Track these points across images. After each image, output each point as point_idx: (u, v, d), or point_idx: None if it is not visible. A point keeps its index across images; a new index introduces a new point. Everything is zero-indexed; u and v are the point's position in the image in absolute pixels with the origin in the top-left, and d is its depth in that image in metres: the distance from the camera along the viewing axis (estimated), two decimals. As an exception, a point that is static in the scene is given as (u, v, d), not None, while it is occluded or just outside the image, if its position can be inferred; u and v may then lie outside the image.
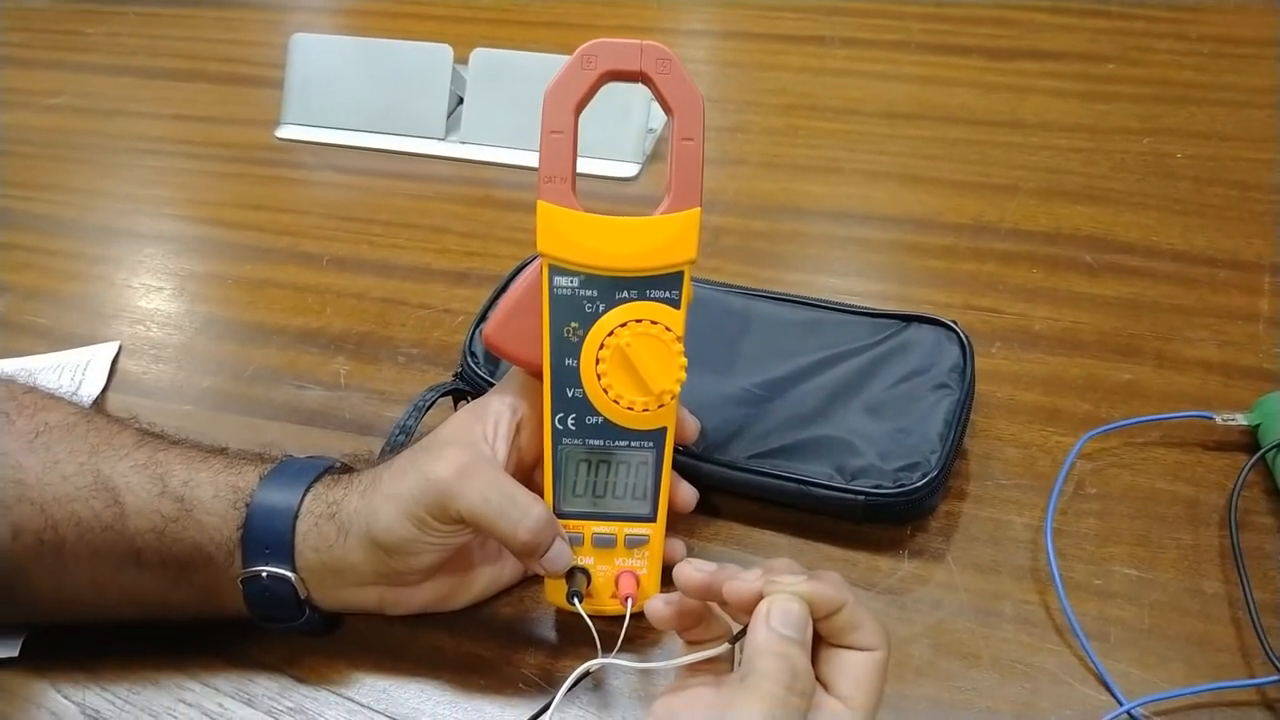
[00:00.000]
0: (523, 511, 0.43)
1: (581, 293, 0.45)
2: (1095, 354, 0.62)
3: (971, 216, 0.74)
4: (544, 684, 0.46)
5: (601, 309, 0.45)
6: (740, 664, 0.37)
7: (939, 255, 0.70)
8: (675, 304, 0.46)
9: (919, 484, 0.50)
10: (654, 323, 0.45)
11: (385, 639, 0.48)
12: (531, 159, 0.81)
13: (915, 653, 0.47)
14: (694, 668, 0.40)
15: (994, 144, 0.81)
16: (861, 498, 0.50)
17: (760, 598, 0.36)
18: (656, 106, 0.80)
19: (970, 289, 0.67)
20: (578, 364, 0.46)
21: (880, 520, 0.52)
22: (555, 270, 0.45)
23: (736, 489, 0.53)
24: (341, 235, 0.76)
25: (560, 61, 0.45)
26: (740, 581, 0.37)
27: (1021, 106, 0.86)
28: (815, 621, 0.35)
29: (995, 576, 0.50)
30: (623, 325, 0.45)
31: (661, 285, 0.45)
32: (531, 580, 0.50)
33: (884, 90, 0.89)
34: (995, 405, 0.58)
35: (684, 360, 0.45)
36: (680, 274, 0.45)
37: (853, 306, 0.59)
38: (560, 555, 0.45)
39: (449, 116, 0.85)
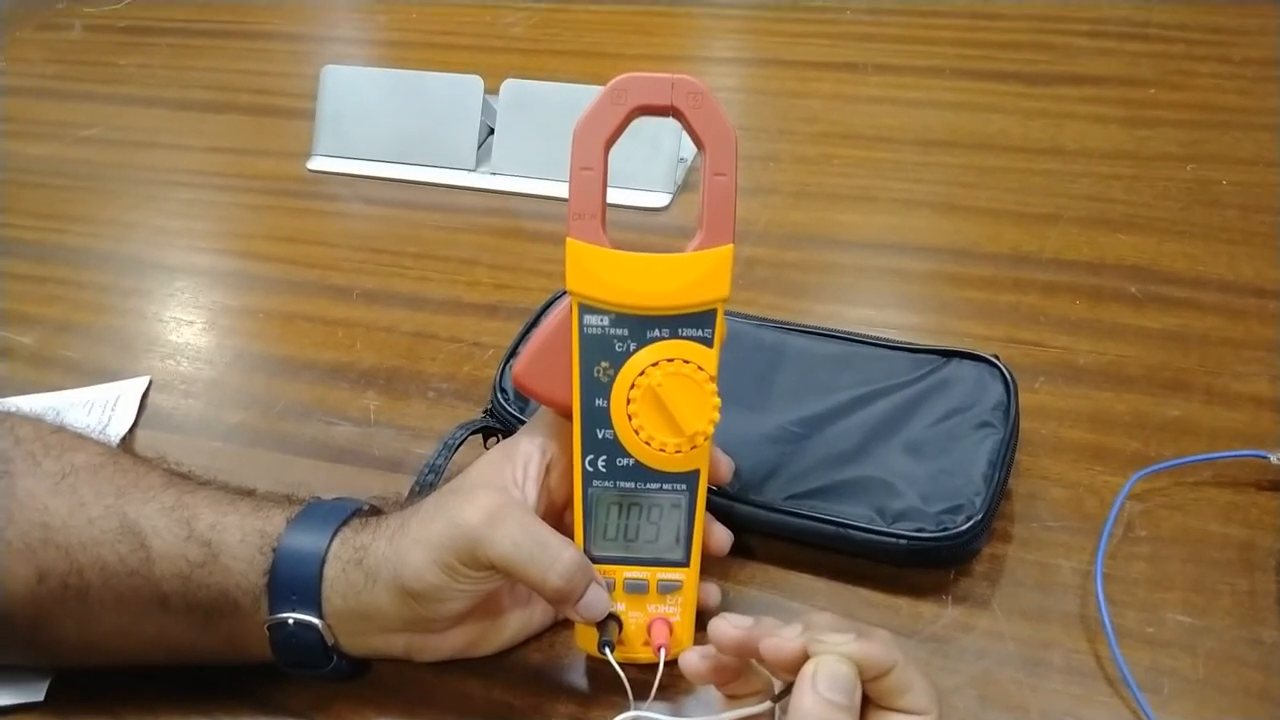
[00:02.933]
0: (553, 557, 0.42)
1: (612, 331, 0.44)
2: (1142, 389, 0.60)
3: (1011, 246, 0.72)
4: (575, 734, 0.45)
5: (632, 348, 0.44)
6: None
7: (978, 286, 0.68)
8: (708, 343, 0.44)
9: (963, 527, 0.48)
10: (686, 362, 0.44)
11: (413, 685, 0.47)
12: (561, 189, 0.80)
13: (960, 704, 0.45)
14: None
15: (1033, 171, 0.80)
16: (904, 541, 0.48)
17: (802, 657, 0.34)
18: (688, 136, 0.80)
19: (1011, 321, 0.65)
20: (608, 404, 0.45)
21: (922, 564, 0.50)
22: (585, 309, 0.44)
23: (772, 531, 0.51)
24: (371, 268, 0.75)
25: (591, 92, 0.44)
26: (779, 640, 0.35)
27: (1061, 133, 0.84)
28: (864, 683, 0.34)
29: (1043, 624, 0.48)
30: (654, 365, 0.44)
31: (694, 324, 0.44)
32: (562, 625, 0.49)
33: (918, 117, 0.88)
34: (1040, 443, 0.56)
35: (717, 401, 0.44)
36: (713, 312, 0.44)
37: (890, 341, 0.58)
38: (597, 601, 0.44)
39: (479, 147, 0.85)
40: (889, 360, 0.57)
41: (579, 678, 0.47)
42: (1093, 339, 0.63)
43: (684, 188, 0.80)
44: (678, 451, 0.44)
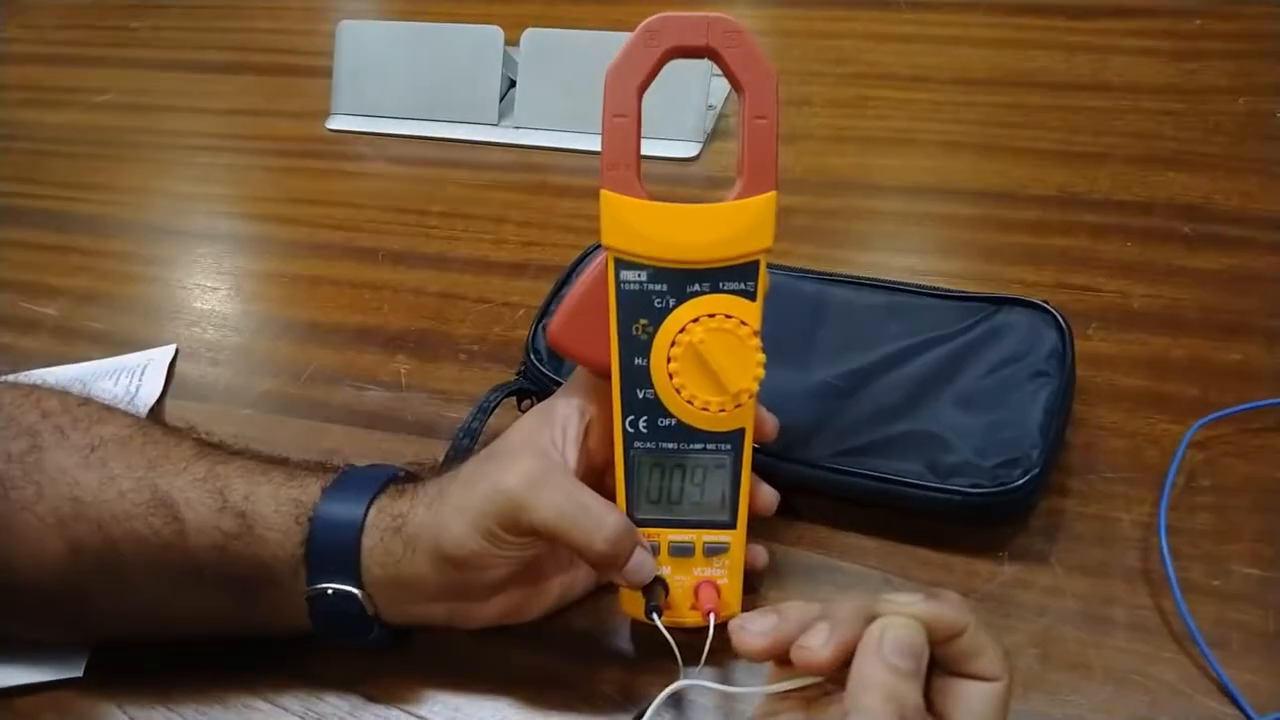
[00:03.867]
0: (598, 521, 0.41)
1: (650, 287, 0.42)
2: (1200, 333, 0.57)
3: (1058, 187, 0.69)
4: (624, 701, 0.44)
5: (672, 304, 0.42)
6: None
7: (1025, 230, 0.66)
8: (751, 296, 0.43)
9: (1020, 481, 0.46)
10: (728, 317, 0.42)
11: (456, 654, 0.46)
12: (588, 142, 0.79)
13: (1021, 664, 0.43)
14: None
15: (1078, 109, 0.76)
16: (958, 497, 0.47)
17: (835, 664, 0.32)
18: (717, 81, 0.77)
19: (1061, 266, 0.62)
20: (648, 363, 0.43)
21: (977, 521, 0.48)
22: (621, 264, 0.42)
23: (819, 489, 0.50)
24: (396, 228, 0.74)
25: (615, 39, 0.42)
26: (809, 652, 0.32)
27: (1105, 68, 0.81)
28: (932, 647, 0.32)
29: (1104, 579, 0.46)
30: (695, 321, 0.42)
31: (736, 276, 0.42)
32: (605, 589, 0.48)
33: (956, 55, 0.84)
34: (1095, 392, 0.54)
35: (762, 356, 0.42)
36: (755, 264, 0.43)
37: (937, 289, 0.56)
38: (642, 566, 0.42)
39: (501, 100, 0.83)
40: (936, 310, 0.54)
41: (624, 643, 0.46)
42: (1147, 282, 0.61)
43: (714, 136, 0.77)
44: (721, 410, 0.43)
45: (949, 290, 0.55)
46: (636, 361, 0.43)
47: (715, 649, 0.42)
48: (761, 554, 0.47)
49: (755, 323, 0.42)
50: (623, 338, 0.43)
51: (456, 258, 0.70)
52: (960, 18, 0.91)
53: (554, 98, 0.80)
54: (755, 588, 0.47)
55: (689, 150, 0.76)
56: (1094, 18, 0.88)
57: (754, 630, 0.34)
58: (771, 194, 0.42)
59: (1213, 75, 0.79)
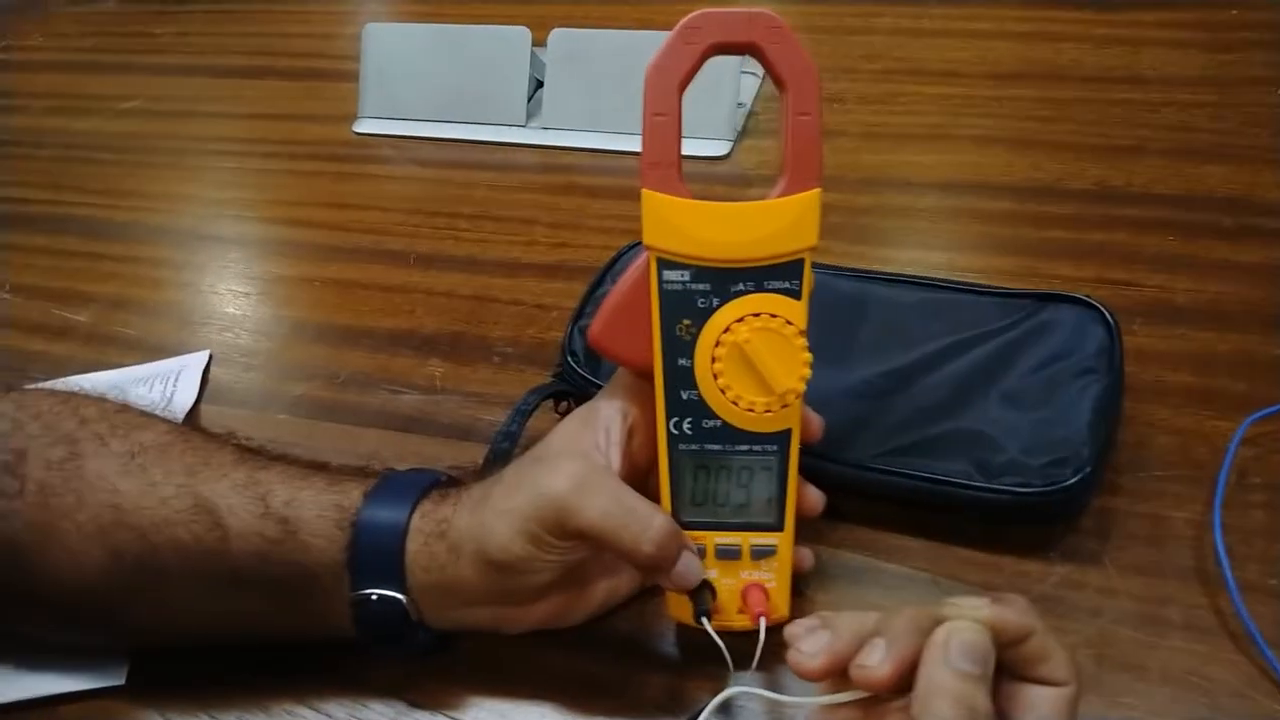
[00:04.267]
0: (645, 524, 0.40)
1: (693, 287, 0.42)
2: (1246, 328, 0.56)
3: (1095, 181, 0.68)
4: (670, 706, 0.43)
5: (716, 303, 0.42)
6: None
7: (1064, 225, 0.65)
8: (796, 295, 0.42)
9: (1071, 480, 0.45)
10: (774, 316, 0.41)
11: (500, 660, 0.45)
12: (617, 142, 0.78)
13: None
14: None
15: (1111, 102, 0.75)
16: (1008, 496, 0.46)
17: (898, 680, 0.31)
18: (746, 79, 0.77)
19: (1102, 261, 0.62)
20: (692, 364, 0.42)
21: (1026, 521, 0.47)
22: (664, 263, 0.42)
23: (862, 490, 0.49)
24: (426, 231, 0.73)
25: (644, 38, 0.42)
26: (868, 671, 0.31)
27: (1138, 60, 0.80)
28: (998, 650, 0.31)
29: (1158, 579, 0.45)
30: (740, 320, 0.42)
31: (780, 275, 0.42)
32: (649, 592, 0.47)
33: (987, 49, 0.84)
34: (1142, 388, 0.53)
35: (808, 356, 0.42)
36: (800, 262, 0.42)
37: (979, 286, 0.55)
38: (690, 569, 0.42)
39: (529, 102, 0.82)
40: (979, 307, 0.54)
41: (669, 647, 0.46)
42: (1190, 276, 0.60)
43: (744, 134, 0.77)
44: (767, 411, 0.42)
45: (991, 287, 0.55)
46: (680, 362, 0.42)
47: (764, 653, 0.41)
48: (807, 556, 0.46)
49: (801, 322, 0.42)
50: (665, 338, 0.42)
51: (488, 260, 0.70)
52: (989, 10, 0.90)
53: (582, 98, 0.79)
54: (801, 590, 0.46)
55: (720, 149, 0.76)
56: (1125, 9, 0.87)
57: (808, 650, 0.33)
58: (816, 191, 0.42)
59: (1248, 67, 0.78)
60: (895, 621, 0.32)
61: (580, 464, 0.42)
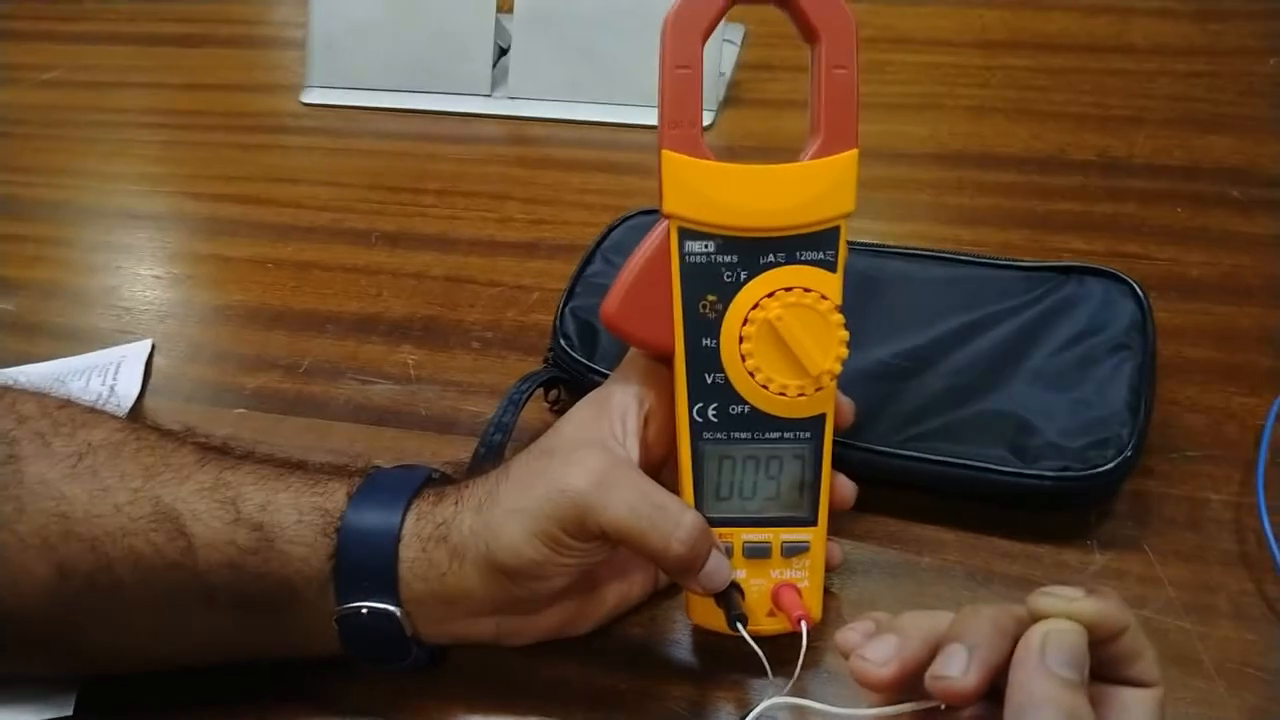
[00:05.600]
0: (675, 522, 0.36)
1: (719, 259, 0.38)
2: (1264, 300, 0.55)
3: (1097, 152, 0.66)
4: (695, 719, 0.39)
5: (743, 277, 0.38)
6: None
7: (1070, 197, 0.62)
8: (831, 267, 0.38)
9: (1113, 463, 0.43)
10: (807, 290, 0.38)
11: (503, 673, 0.41)
12: (590, 112, 0.74)
13: (1126, 662, 0.40)
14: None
15: (1106, 71, 0.73)
16: (1048, 482, 0.43)
17: (977, 692, 0.27)
18: (728, 48, 0.73)
19: (1112, 233, 0.59)
20: (717, 344, 0.38)
21: (1063, 506, 0.45)
22: (686, 234, 0.38)
23: (886, 477, 0.45)
24: (390, 208, 0.68)
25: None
26: (949, 683, 0.27)
27: (1128, 30, 0.78)
28: (1091, 648, 0.28)
29: (1201, 565, 0.43)
30: (770, 295, 0.38)
31: (814, 245, 0.38)
32: (660, 596, 0.43)
33: (974, 18, 0.81)
34: (1164, 365, 0.50)
35: (845, 334, 0.38)
36: (836, 230, 0.39)
37: (999, 260, 0.52)
38: (719, 569, 0.38)
39: (493, 69, 0.77)
40: (1000, 281, 0.51)
41: (686, 654, 0.42)
42: (1203, 249, 0.58)
43: (726, 104, 0.73)
44: (800, 395, 0.39)
45: (1010, 260, 0.52)
46: (704, 343, 0.39)
47: (792, 656, 0.37)
48: (836, 551, 0.42)
49: (837, 297, 0.38)
50: (688, 317, 0.38)
51: (460, 239, 0.65)
52: (972, -21, 0.87)
53: (553, 66, 0.74)
54: (828, 588, 0.43)
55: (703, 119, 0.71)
56: (1108, -22, 0.85)
57: (876, 659, 0.29)
58: (854, 152, 0.38)
59: (1239, 36, 0.76)
60: (974, 623, 0.28)
61: (601, 456, 0.37)
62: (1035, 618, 0.28)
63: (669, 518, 0.36)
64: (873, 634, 0.31)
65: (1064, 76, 0.73)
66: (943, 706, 0.29)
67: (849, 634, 0.31)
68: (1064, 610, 0.28)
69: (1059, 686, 0.26)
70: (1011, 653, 0.27)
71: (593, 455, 0.37)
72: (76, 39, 0.95)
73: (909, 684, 0.30)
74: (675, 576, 0.38)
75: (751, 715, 0.34)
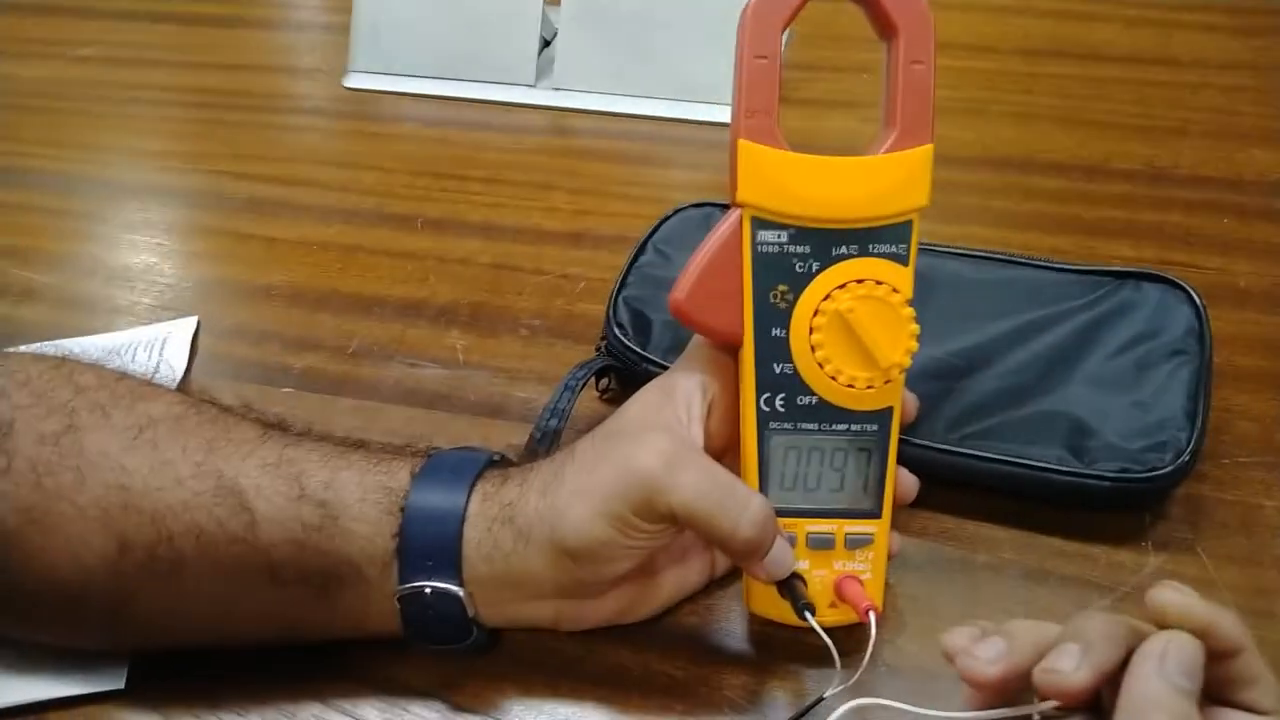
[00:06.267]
0: (744, 505, 0.36)
1: (791, 249, 0.38)
2: (1313, 313, 0.55)
3: (1143, 161, 0.66)
4: (750, 708, 0.39)
5: (815, 268, 0.38)
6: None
7: (1116, 204, 0.63)
8: (903, 260, 0.39)
9: (1171, 466, 0.43)
10: (879, 283, 0.38)
11: (557, 657, 0.41)
12: (634, 105, 0.74)
13: (1183, 665, 0.40)
14: None
15: (1149, 83, 0.74)
16: (1106, 483, 0.43)
17: (1085, 689, 0.28)
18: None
19: (1159, 242, 0.59)
20: (787, 335, 0.39)
21: (1119, 507, 0.45)
22: (759, 223, 0.38)
23: (940, 473, 0.45)
24: (435, 194, 0.68)
25: None
26: (1061, 676, 0.28)
27: (1170, 42, 0.78)
28: (1208, 664, 0.28)
29: (1255, 569, 0.43)
30: (841, 287, 0.38)
31: (887, 238, 0.38)
32: (716, 585, 0.43)
33: (1018, 26, 0.81)
34: (1216, 372, 0.50)
35: (916, 328, 0.38)
36: (909, 224, 0.39)
37: (1054, 263, 0.52)
38: (784, 556, 0.38)
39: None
40: (1056, 284, 0.51)
41: (741, 643, 0.42)
42: (1249, 259, 0.58)
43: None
44: (869, 387, 0.39)
45: (1065, 263, 0.52)
46: (774, 333, 0.39)
47: (853, 650, 0.37)
48: (896, 541, 0.42)
49: (908, 290, 0.39)
50: (758, 306, 0.39)
51: (505, 226, 0.65)
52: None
53: (598, 58, 0.74)
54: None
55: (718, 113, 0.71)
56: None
57: (986, 657, 0.30)
58: (929, 146, 0.39)
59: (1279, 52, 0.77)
60: (1088, 626, 0.29)
61: (669, 438, 0.37)
62: (1154, 608, 0.28)
63: (737, 501, 0.36)
64: (979, 637, 0.31)
65: (1107, 86, 0.73)
66: (1035, 718, 0.29)
67: (956, 636, 0.32)
68: (1181, 605, 0.28)
69: (1173, 693, 0.27)
70: (1123, 661, 0.28)
71: (661, 437, 0.37)
72: (112, 15, 0.94)
73: (1013, 688, 0.30)
74: (740, 561, 0.38)
75: (835, 716, 0.34)
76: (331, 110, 0.78)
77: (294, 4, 0.96)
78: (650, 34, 0.71)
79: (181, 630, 0.39)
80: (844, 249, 0.38)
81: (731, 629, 0.42)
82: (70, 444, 0.37)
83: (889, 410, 0.39)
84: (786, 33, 0.39)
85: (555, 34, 0.76)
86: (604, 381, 0.52)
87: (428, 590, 0.37)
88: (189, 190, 0.71)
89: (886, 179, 0.38)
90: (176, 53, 0.88)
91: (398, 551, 0.37)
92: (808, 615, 0.37)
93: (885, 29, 0.39)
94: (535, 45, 0.76)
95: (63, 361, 0.41)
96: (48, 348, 0.43)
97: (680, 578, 0.42)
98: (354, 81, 0.80)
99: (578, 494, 0.37)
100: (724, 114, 0.37)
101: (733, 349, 0.40)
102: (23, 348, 0.44)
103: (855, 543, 0.40)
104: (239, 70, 0.84)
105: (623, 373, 0.51)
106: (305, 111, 0.79)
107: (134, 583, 0.37)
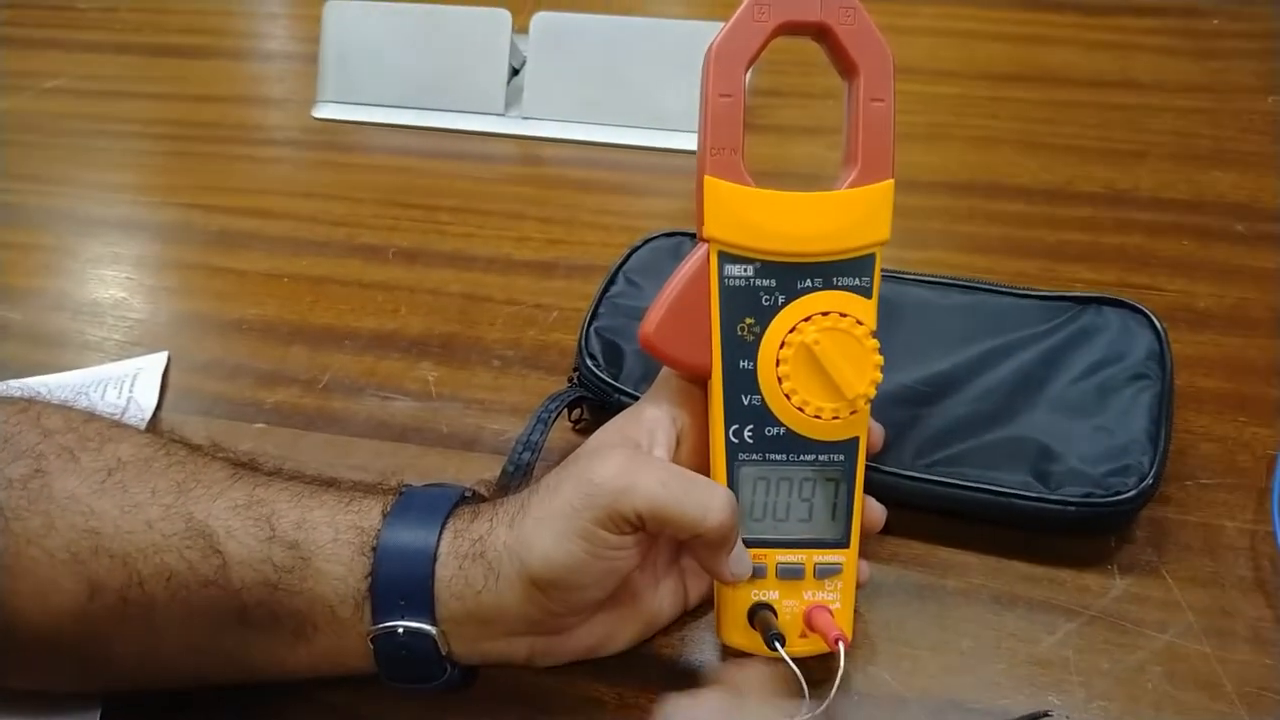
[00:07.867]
0: (709, 490, 0.37)
1: (757, 283, 0.39)
2: (1272, 333, 0.56)
3: (1104, 184, 0.67)
4: (727, 740, 0.39)
5: (781, 301, 0.39)
6: None
7: (1079, 228, 0.63)
8: (866, 293, 0.39)
9: (1134, 490, 0.43)
10: (843, 315, 0.39)
11: (533, 692, 0.41)
12: (604, 134, 0.74)
13: (1149, 685, 0.41)
14: None
15: (1110, 106, 0.75)
16: (1071, 508, 0.44)
17: None
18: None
19: (1121, 265, 0.60)
20: (755, 366, 0.39)
21: (1084, 532, 0.45)
22: (726, 257, 0.39)
23: (908, 500, 0.46)
24: (405, 224, 0.68)
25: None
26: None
27: (1131, 66, 0.80)
28: None
29: (1219, 590, 0.44)
30: (807, 320, 0.39)
31: (850, 271, 0.39)
32: (690, 616, 0.43)
33: (979, 50, 0.82)
34: (1177, 395, 0.51)
35: (880, 359, 0.39)
36: (871, 258, 0.40)
37: (1017, 289, 0.53)
38: (744, 555, 0.39)
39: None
40: (1019, 310, 0.52)
41: (714, 674, 0.42)
42: (1210, 281, 0.59)
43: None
44: (835, 418, 0.39)
45: (1028, 289, 0.53)
46: (741, 365, 0.39)
47: (822, 679, 0.38)
48: (864, 568, 0.43)
49: (871, 322, 0.39)
50: (726, 339, 0.39)
51: (477, 256, 0.65)
52: (976, 11, 0.88)
53: (566, 87, 0.75)
54: (855, 609, 0.43)
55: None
56: (1109, 15, 0.87)
57: None
58: (890, 181, 0.39)
59: (1239, 74, 0.78)
60: None
61: (626, 451, 0.38)
62: None
63: (701, 488, 0.37)
64: None
65: (1069, 110, 0.75)
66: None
67: None
68: None
69: None
70: None
71: (618, 451, 0.38)
72: (79, 47, 0.94)
73: None
74: (709, 555, 0.38)
75: None
76: (301, 141, 0.78)
77: (262, 34, 0.95)
78: (619, 62, 0.71)
79: (153, 672, 0.39)
80: (809, 282, 0.39)
81: (704, 660, 0.43)
82: (38, 488, 0.37)
83: (855, 440, 0.40)
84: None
85: (524, 62, 0.76)
86: (576, 412, 0.52)
87: (400, 630, 0.37)
88: (158, 223, 0.71)
89: (849, 214, 0.39)
90: (144, 84, 0.87)
91: (370, 592, 0.37)
92: (778, 645, 0.38)
93: (846, 68, 0.40)
94: (504, 74, 0.76)
95: (30, 404, 0.41)
96: (15, 387, 0.43)
97: (654, 608, 0.42)
98: (323, 112, 0.80)
99: (541, 521, 0.37)
100: (693, 141, 0.38)
101: (702, 381, 0.41)
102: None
103: (824, 572, 0.40)
104: (207, 101, 0.84)
105: (595, 403, 0.51)
106: (274, 143, 0.79)
107: (105, 626, 0.37)
